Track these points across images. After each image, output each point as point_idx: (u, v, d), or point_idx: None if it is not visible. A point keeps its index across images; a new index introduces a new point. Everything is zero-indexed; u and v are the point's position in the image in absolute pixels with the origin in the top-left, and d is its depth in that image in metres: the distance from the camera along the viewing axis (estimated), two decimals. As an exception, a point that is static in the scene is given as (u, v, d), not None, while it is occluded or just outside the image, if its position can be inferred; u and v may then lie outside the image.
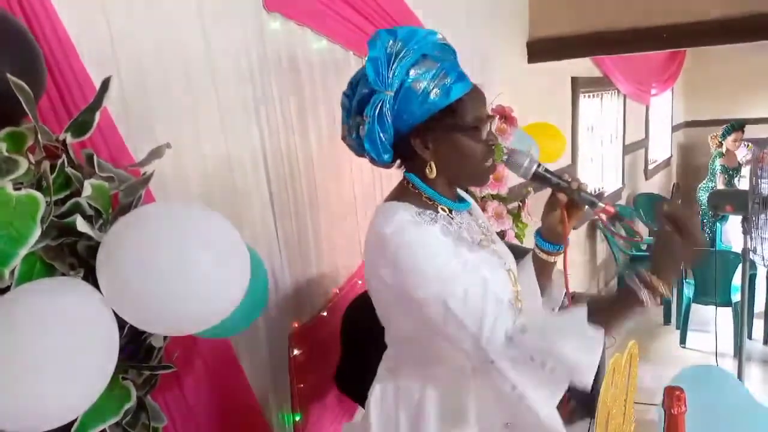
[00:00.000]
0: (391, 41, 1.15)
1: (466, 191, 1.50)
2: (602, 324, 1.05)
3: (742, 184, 5.79)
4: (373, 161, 1.24)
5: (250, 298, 1.28)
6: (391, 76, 1.14)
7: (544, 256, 1.35)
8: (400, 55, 1.14)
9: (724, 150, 5.79)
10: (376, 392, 1.34)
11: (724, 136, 5.80)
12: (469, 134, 1.19)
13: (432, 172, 1.21)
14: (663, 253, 1.12)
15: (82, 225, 1.06)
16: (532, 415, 1.02)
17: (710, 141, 6.03)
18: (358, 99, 1.19)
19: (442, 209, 1.24)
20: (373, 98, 1.16)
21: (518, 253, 1.44)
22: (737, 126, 5.80)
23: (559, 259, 1.36)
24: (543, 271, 1.36)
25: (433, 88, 1.15)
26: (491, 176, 1.28)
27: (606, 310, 1.11)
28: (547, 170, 1.27)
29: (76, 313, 1.00)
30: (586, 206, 1.26)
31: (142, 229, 1.07)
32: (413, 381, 1.27)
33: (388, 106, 1.15)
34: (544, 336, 1.04)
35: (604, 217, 1.25)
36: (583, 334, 1.03)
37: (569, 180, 1.25)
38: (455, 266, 1.11)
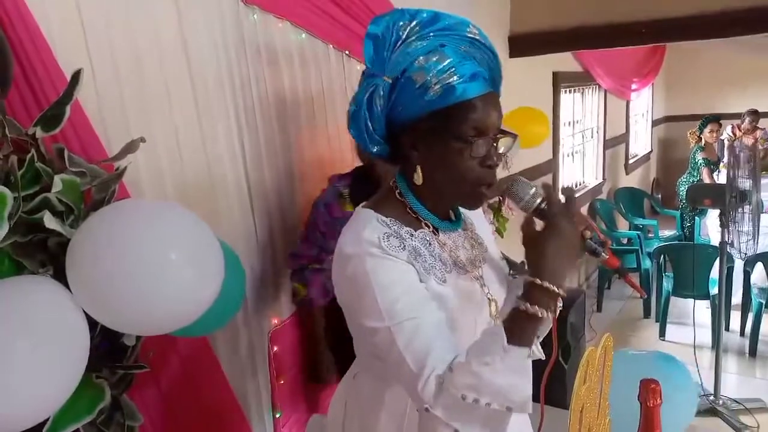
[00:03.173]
0: (405, 21, 1.02)
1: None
2: (520, 341, 0.92)
3: (721, 177, 5.88)
4: (363, 150, 1.14)
5: (226, 296, 1.26)
6: (393, 59, 1.02)
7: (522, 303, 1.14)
8: (411, 39, 1.01)
9: (703, 143, 5.88)
10: (337, 393, 1.30)
11: (700, 129, 5.91)
12: (461, 147, 1.02)
13: (418, 178, 1.07)
14: (543, 250, 0.97)
15: (50, 221, 1.03)
16: None
17: (689, 137, 6.11)
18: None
19: (425, 225, 1.10)
20: (366, 80, 1.04)
21: (512, 267, 1.34)
22: (712, 118, 5.91)
23: None
24: None
25: (434, 84, 1.00)
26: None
27: (514, 325, 0.94)
28: None
29: (42, 312, 0.98)
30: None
31: (112, 227, 1.05)
32: (369, 397, 1.19)
33: (382, 92, 1.03)
34: (470, 370, 0.91)
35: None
36: (507, 354, 0.91)
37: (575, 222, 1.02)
38: (410, 302, 1.00)
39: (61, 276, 1.08)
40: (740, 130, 6.47)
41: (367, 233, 1.02)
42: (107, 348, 1.27)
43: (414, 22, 1.02)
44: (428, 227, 1.10)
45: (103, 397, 1.21)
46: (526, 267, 0.99)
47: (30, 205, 1.08)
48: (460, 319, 1.05)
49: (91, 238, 1.04)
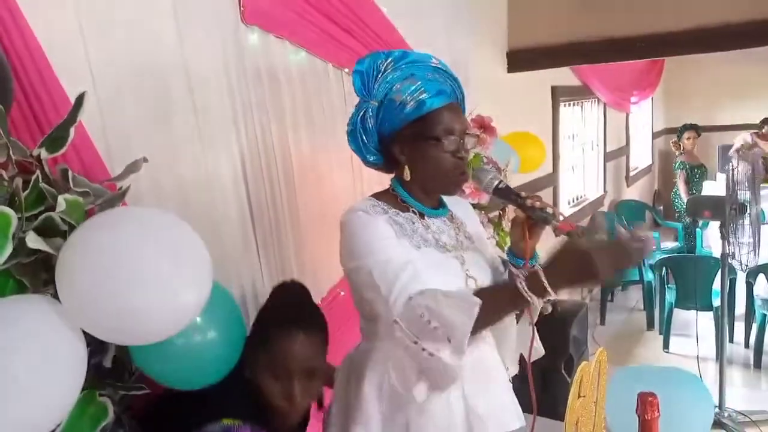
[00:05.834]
0: (382, 59, 1.33)
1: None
2: (483, 299, 1.18)
3: (706, 184, 6.01)
4: (365, 162, 1.41)
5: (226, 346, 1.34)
6: (376, 87, 1.33)
7: (514, 270, 1.38)
8: (389, 71, 1.32)
9: (682, 149, 6.08)
10: (343, 361, 1.52)
11: (679, 136, 6.25)
12: (436, 144, 1.31)
13: (407, 174, 1.36)
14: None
15: (33, 241, 1.04)
16: (435, 360, 1.16)
17: (672, 146, 6.32)
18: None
19: (412, 211, 1.37)
20: (359, 105, 1.36)
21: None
22: (690, 126, 6.22)
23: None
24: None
25: (409, 101, 1.30)
26: (466, 186, 1.37)
27: (491, 292, 1.25)
28: (507, 186, 1.36)
29: (38, 331, 0.99)
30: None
31: (97, 236, 1.06)
32: (362, 356, 1.42)
33: (371, 113, 1.34)
34: (434, 299, 1.17)
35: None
36: (463, 302, 1.18)
37: (525, 196, 1.32)
38: (384, 244, 1.27)
39: (63, 295, 1.09)
40: (759, 137, 6.54)
41: (358, 204, 1.34)
42: (111, 367, 1.28)
43: (389, 59, 1.33)
44: (415, 213, 1.37)
45: (106, 416, 1.22)
46: (548, 257, 1.21)
47: (33, 224, 1.10)
48: (425, 283, 1.25)
49: (77, 249, 1.04)
